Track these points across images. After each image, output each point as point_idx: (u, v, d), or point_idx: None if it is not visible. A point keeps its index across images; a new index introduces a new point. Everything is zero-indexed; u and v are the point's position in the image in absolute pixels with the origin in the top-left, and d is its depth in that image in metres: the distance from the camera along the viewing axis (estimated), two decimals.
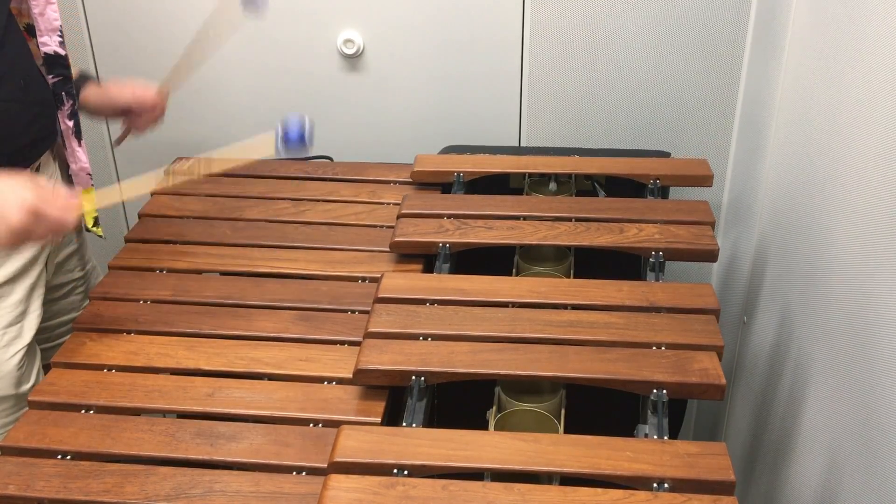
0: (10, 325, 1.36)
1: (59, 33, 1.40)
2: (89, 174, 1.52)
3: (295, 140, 1.27)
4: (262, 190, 1.69)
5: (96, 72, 1.98)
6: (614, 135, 1.94)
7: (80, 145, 1.48)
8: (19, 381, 1.37)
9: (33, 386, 1.40)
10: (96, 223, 1.56)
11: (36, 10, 1.37)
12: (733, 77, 1.85)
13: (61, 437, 1.16)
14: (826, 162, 1.34)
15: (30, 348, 1.39)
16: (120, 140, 1.61)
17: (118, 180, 2.10)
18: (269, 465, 1.12)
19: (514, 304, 1.30)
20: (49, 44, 1.39)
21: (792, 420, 1.46)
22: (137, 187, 1.36)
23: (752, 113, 1.79)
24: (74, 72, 1.50)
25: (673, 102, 1.89)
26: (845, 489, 1.22)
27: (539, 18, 1.83)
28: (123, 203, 2.12)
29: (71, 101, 1.44)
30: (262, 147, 1.30)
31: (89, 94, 1.51)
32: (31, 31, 1.39)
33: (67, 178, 1.51)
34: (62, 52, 1.41)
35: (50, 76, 1.41)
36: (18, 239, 1.14)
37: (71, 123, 1.45)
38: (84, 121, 1.49)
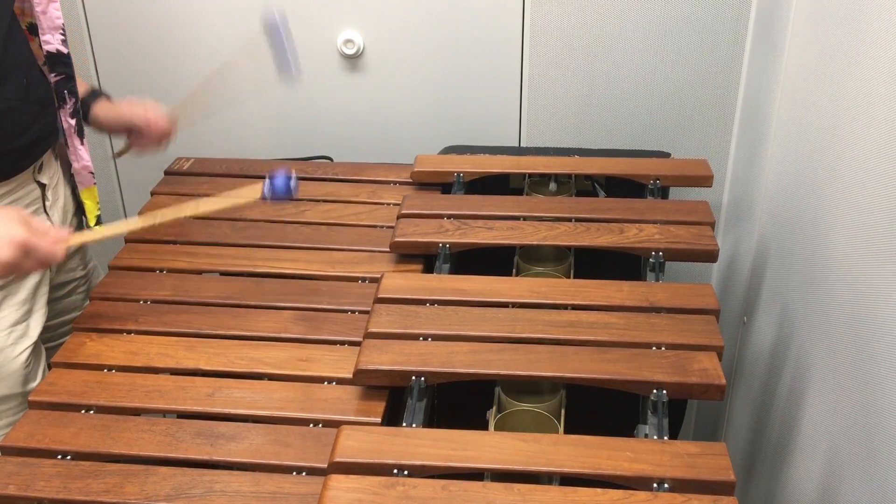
0: (17, 323, 1.36)
1: (62, 32, 1.40)
2: (91, 172, 1.52)
3: (281, 192, 1.34)
4: None
5: (96, 71, 1.98)
6: (614, 135, 1.94)
7: (82, 144, 1.48)
8: (26, 380, 1.38)
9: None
10: (98, 222, 1.56)
11: (38, 9, 1.37)
12: (733, 77, 1.85)
13: (61, 437, 1.16)
14: (826, 162, 1.34)
15: (36, 347, 1.40)
16: (121, 153, 1.62)
17: (118, 179, 2.10)
18: (269, 465, 1.12)
19: (514, 305, 1.30)
20: (51, 42, 1.40)
21: (792, 420, 1.46)
22: (117, 228, 1.40)
23: (752, 113, 1.79)
24: (85, 88, 1.51)
25: (673, 103, 1.89)
26: (845, 489, 1.22)
27: (539, 18, 1.83)
28: (123, 204, 2.13)
29: (73, 100, 1.44)
30: (249, 193, 1.36)
31: (99, 110, 1.51)
32: (33, 29, 1.40)
33: (69, 176, 1.51)
34: (64, 50, 1.41)
35: (52, 75, 1.41)
36: (8, 272, 1.18)
37: (73, 122, 1.45)
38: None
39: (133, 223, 1.38)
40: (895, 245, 1.09)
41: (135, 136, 1.54)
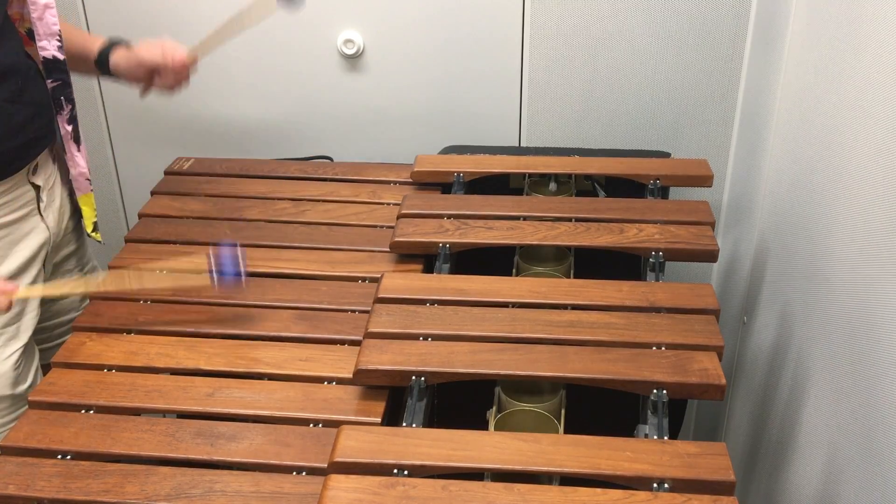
0: (7, 325, 1.36)
1: (58, 38, 1.40)
2: (88, 179, 1.52)
3: (229, 274, 1.34)
4: (262, 190, 1.69)
5: None
6: (614, 135, 1.94)
7: (79, 150, 1.48)
8: (16, 382, 1.37)
9: (31, 386, 1.40)
10: (95, 228, 1.56)
11: (34, 15, 1.37)
12: (733, 77, 1.85)
13: (61, 437, 1.16)
14: (826, 162, 1.34)
15: (27, 348, 1.39)
16: (146, 93, 1.59)
17: (118, 181, 2.10)
18: (269, 465, 1.12)
19: (514, 304, 1.30)
20: (48, 48, 1.40)
21: (792, 420, 1.46)
22: (61, 288, 1.45)
23: (752, 113, 1.79)
24: (102, 41, 1.50)
25: (673, 102, 1.89)
26: (845, 489, 1.22)
27: (539, 18, 1.83)
28: (123, 204, 2.13)
29: (70, 106, 1.44)
30: (197, 279, 1.36)
31: (119, 57, 1.50)
32: (31, 35, 1.40)
33: (67, 180, 1.51)
34: (61, 56, 1.41)
35: (49, 80, 1.41)
36: None
37: (70, 128, 1.45)
38: (83, 121, 1.49)
39: (76, 285, 1.43)
40: (895, 245, 1.09)
41: (157, 77, 1.52)
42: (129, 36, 1.94)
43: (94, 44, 1.51)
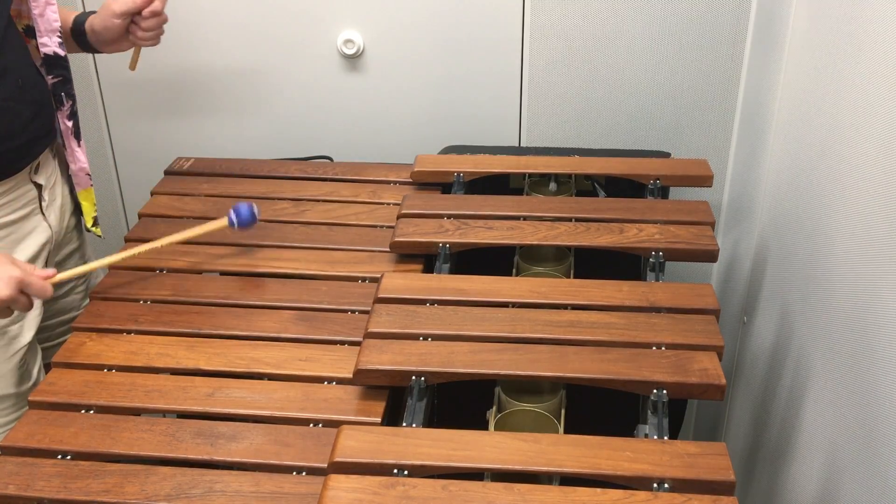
0: (10, 324, 1.36)
1: (59, 34, 1.40)
2: (88, 174, 1.52)
3: (245, 220, 1.47)
4: (262, 190, 1.69)
5: (96, 71, 1.98)
6: (614, 135, 1.94)
7: (79, 146, 1.48)
8: (20, 380, 1.38)
9: (34, 384, 1.40)
10: (95, 223, 1.56)
11: (36, 12, 1.37)
12: (733, 77, 1.85)
13: (61, 437, 1.16)
14: (826, 162, 1.34)
15: (30, 347, 1.40)
16: (134, 61, 1.57)
17: (118, 181, 2.10)
18: (269, 465, 1.12)
19: (514, 304, 1.30)
20: (49, 45, 1.40)
21: (792, 420, 1.46)
22: (98, 264, 1.45)
23: (752, 113, 1.79)
24: (73, 15, 1.48)
25: (673, 103, 1.89)
26: (845, 489, 1.22)
27: (539, 18, 1.83)
28: (123, 204, 2.13)
29: (70, 102, 1.44)
30: (215, 226, 1.48)
31: (94, 22, 1.47)
32: (30, 32, 1.40)
33: (68, 177, 1.52)
34: (61, 52, 1.41)
35: (49, 76, 1.41)
36: (4, 312, 1.27)
37: (70, 124, 1.45)
38: (83, 121, 1.49)
39: (111, 259, 1.43)
40: (895, 245, 1.09)
41: (135, 29, 1.48)
42: None
43: (69, 16, 1.49)
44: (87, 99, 1.98)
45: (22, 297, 1.25)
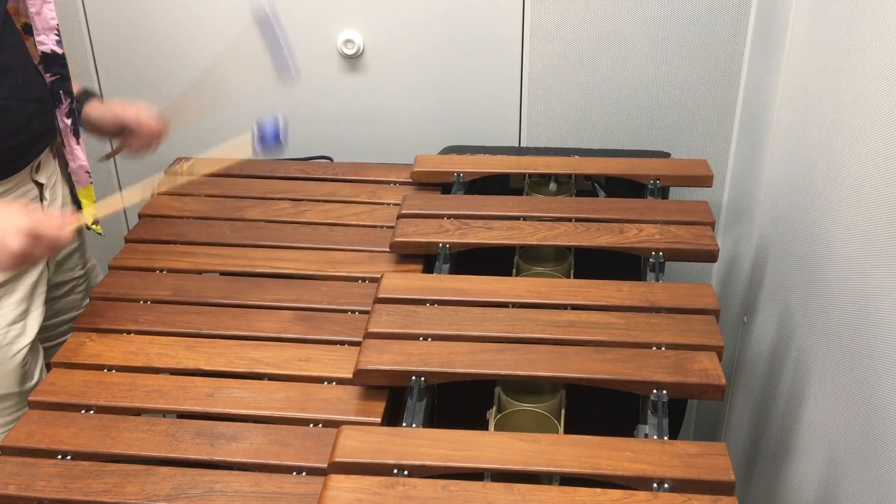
0: (14, 322, 1.36)
1: (56, 32, 1.40)
2: (87, 172, 1.52)
3: (270, 140, 1.39)
4: (261, 190, 1.69)
5: (96, 71, 1.98)
6: (614, 135, 1.94)
7: (78, 143, 1.48)
8: (23, 379, 1.38)
9: (37, 383, 1.40)
10: (96, 221, 1.56)
11: (33, 10, 1.37)
12: (733, 77, 1.85)
13: (61, 437, 1.16)
14: (826, 162, 1.34)
15: (33, 346, 1.40)
16: (111, 155, 1.62)
17: (117, 179, 2.10)
18: (269, 465, 1.12)
19: (514, 304, 1.30)
20: (46, 42, 1.40)
21: (792, 420, 1.46)
22: (134, 194, 1.40)
23: (752, 113, 1.79)
24: (77, 88, 1.50)
25: (673, 102, 1.89)
26: (845, 489, 1.22)
27: (539, 18, 1.83)
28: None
29: (69, 100, 1.44)
30: (240, 148, 1.40)
31: (91, 109, 1.51)
32: (28, 30, 1.40)
33: (68, 175, 1.51)
34: (59, 50, 1.41)
35: (47, 75, 1.41)
36: (19, 262, 1.19)
37: (69, 122, 1.45)
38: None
39: (131, 194, 1.39)
40: (895, 245, 1.09)
41: (126, 137, 1.52)
42: (129, 34, 1.95)
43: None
44: None
45: (38, 249, 1.20)
